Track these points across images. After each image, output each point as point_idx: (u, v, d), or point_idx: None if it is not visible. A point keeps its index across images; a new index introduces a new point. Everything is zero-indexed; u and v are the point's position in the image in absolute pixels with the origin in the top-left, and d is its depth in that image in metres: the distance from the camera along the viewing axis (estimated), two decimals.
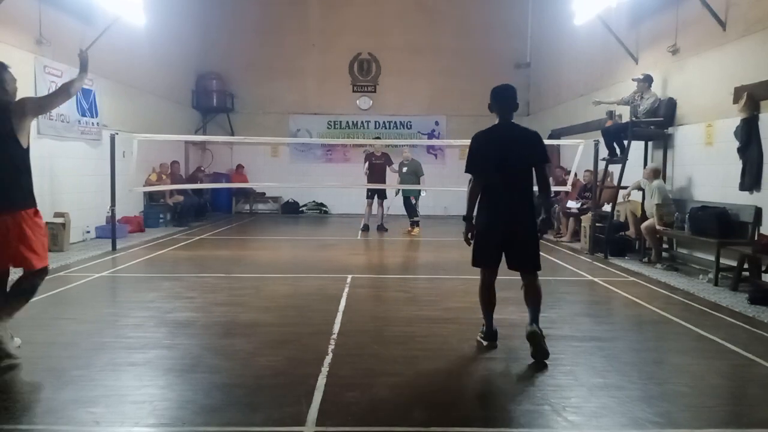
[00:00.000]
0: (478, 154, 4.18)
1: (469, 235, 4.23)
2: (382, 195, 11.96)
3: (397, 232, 11.73)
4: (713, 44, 7.60)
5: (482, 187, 4.15)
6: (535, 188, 4.25)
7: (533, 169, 4.18)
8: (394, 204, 12.31)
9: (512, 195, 4.10)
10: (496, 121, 4.28)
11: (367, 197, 12.00)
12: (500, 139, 4.17)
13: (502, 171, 4.08)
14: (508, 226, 4.09)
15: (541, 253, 4.24)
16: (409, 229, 11.69)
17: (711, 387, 3.67)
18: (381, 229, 11.94)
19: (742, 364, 4.06)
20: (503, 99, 4.25)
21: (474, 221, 4.23)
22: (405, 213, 11.93)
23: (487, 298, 4.26)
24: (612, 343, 4.44)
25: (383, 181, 11.68)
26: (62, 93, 4.14)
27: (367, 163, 11.87)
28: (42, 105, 4.25)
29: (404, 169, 11.56)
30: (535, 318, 4.09)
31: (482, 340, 4.30)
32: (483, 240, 4.19)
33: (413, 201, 11.72)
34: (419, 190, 11.74)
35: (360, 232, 11.67)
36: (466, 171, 4.23)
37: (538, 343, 3.96)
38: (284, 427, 2.94)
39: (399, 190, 11.79)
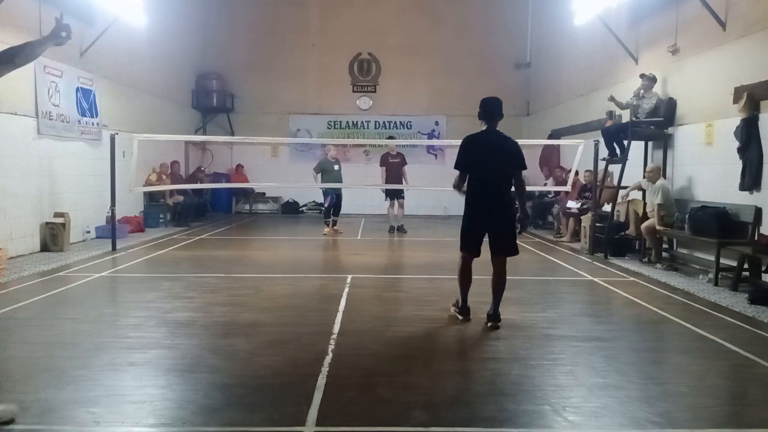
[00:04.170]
0: (466, 154, 4.90)
1: (462, 189, 4.95)
2: (400, 195, 11.68)
3: (408, 233, 11.68)
4: (713, 44, 7.60)
5: (466, 181, 4.89)
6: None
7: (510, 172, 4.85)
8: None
9: (492, 192, 4.78)
10: (484, 128, 4.91)
11: (387, 198, 11.78)
12: (486, 145, 4.86)
13: (485, 171, 4.78)
14: (487, 217, 4.78)
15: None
16: (336, 228, 11.51)
17: (711, 387, 3.67)
18: (401, 230, 11.70)
19: (742, 364, 4.06)
20: (491, 109, 4.87)
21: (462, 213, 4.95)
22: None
23: (466, 278, 4.93)
24: (612, 343, 4.44)
25: (400, 181, 11.44)
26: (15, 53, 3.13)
27: (384, 167, 11.56)
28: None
29: (335, 167, 11.24)
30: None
31: (457, 315, 4.94)
32: (468, 229, 4.89)
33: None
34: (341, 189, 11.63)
35: (387, 233, 11.58)
36: (455, 167, 4.96)
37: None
38: (284, 427, 2.94)
39: (326, 188, 11.42)
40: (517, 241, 4.93)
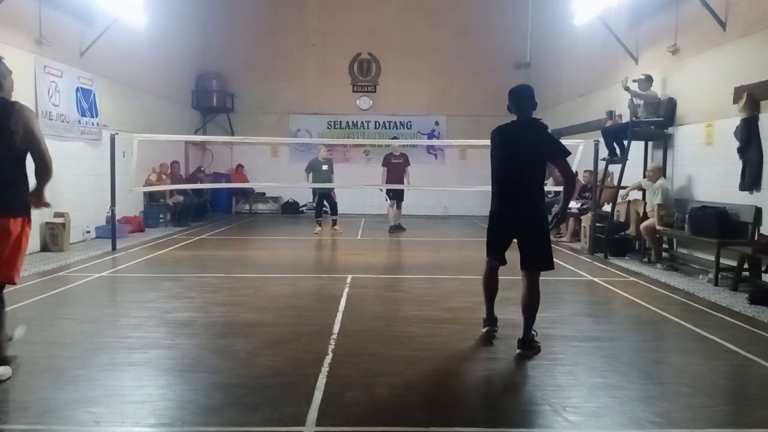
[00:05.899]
0: (495, 149, 4.36)
1: None
2: (400, 195, 11.80)
3: (408, 233, 11.70)
4: (713, 44, 7.60)
5: (493, 178, 4.34)
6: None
7: (540, 166, 4.28)
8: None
9: (519, 188, 4.22)
10: (514, 118, 4.37)
11: (388, 198, 11.87)
12: (514, 135, 4.30)
13: (511, 164, 4.23)
14: (513, 218, 4.24)
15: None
16: (336, 228, 11.62)
17: (711, 387, 3.67)
18: (399, 228, 11.81)
19: (742, 364, 4.06)
20: (518, 102, 4.33)
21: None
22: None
23: (489, 286, 4.49)
24: (612, 343, 4.44)
25: (402, 182, 11.55)
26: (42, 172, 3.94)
27: (385, 168, 11.65)
28: (32, 140, 3.74)
29: (324, 167, 11.39)
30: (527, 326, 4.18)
31: (483, 329, 4.46)
32: (491, 229, 4.41)
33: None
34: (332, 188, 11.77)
35: (388, 233, 11.64)
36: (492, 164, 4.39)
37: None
38: (284, 427, 2.94)
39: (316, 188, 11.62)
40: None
